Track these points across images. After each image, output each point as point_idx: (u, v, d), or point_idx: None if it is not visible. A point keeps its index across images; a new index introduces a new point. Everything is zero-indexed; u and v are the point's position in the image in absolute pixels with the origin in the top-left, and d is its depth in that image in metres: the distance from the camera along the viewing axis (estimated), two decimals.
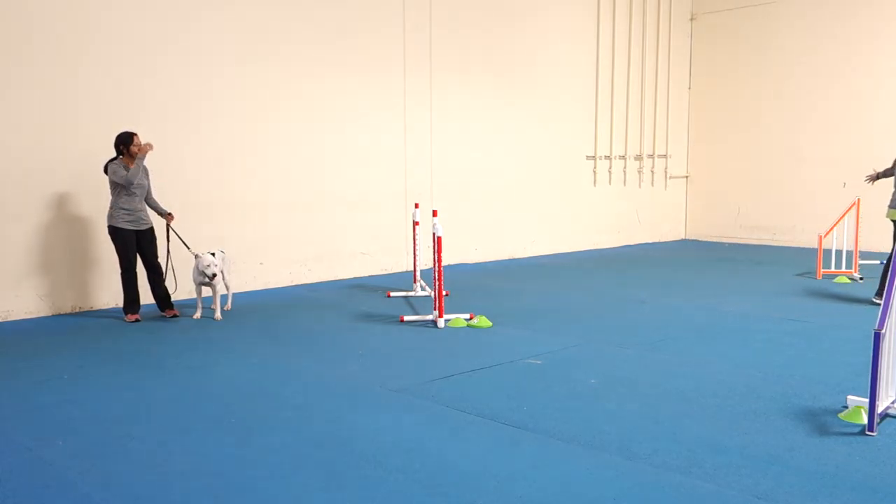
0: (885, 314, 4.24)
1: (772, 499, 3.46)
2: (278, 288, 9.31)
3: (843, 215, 10.14)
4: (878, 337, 4.21)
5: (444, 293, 7.33)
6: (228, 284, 7.94)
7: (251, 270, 9.11)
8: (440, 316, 7.07)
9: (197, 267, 7.36)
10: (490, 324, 7.11)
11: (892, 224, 8.09)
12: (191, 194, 8.49)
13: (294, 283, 9.53)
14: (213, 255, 7.40)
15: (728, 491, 3.54)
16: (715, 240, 14.67)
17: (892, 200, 7.91)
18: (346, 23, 9.81)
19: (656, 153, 14.29)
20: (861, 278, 9.68)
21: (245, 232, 9.00)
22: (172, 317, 7.56)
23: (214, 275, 7.28)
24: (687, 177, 15.08)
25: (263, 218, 9.19)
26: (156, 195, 7.62)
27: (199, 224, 8.39)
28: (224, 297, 7.95)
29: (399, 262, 10.61)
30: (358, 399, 4.96)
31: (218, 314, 7.49)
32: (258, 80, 9.04)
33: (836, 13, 12.90)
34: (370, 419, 4.56)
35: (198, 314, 7.52)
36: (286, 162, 9.38)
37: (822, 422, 4.46)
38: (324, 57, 9.64)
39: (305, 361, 5.92)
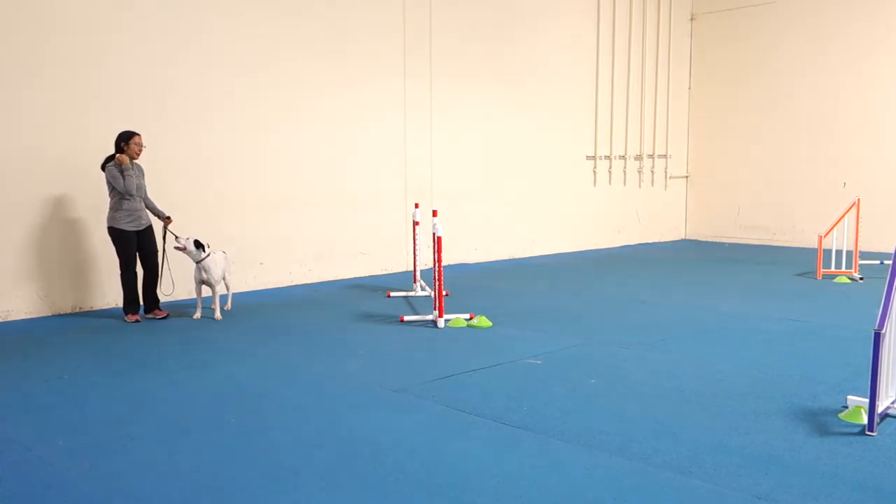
0: (885, 314, 4.24)
1: (772, 499, 3.46)
2: (278, 288, 9.31)
3: (843, 215, 10.13)
4: (878, 337, 4.21)
5: (444, 293, 7.33)
6: (228, 284, 7.95)
7: (251, 270, 9.12)
8: (440, 316, 7.07)
9: (196, 266, 7.41)
10: (490, 324, 7.11)
11: None
12: (191, 194, 8.50)
13: (294, 283, 9.53)
14: (196, 240, 7.41)
15: (728, 491, 3.54)
16: (715, 240, 14.67)
17: None
18: (347, 24, 9.81)
19: (656, 153, 14.29)
20: (861, 278, 9.68)
21: (245, 232, 9.00)
22: (164, 318, 7.51)
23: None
24: (687, 177, 15.08)
25: (263, 218, 9.19)
26: (156, 195, 7.62)
27: (200, 224, 8.38)
28: (224, 297, 7.96)
29: (399, 262, 10.61)
30: (358, 399, 4.96)
31: (218, 314, 7.49)
32: (258, 83, 9.04)
33: (837, 13, 12.90)
34: (370, 419, 4.56)
35: (198, 314, 7.52)
36: (286, 162, 9.38)
37: (822, 422, 4.46)
38: (324, 58, 9.64)
39: (305, 361, 5.92)
